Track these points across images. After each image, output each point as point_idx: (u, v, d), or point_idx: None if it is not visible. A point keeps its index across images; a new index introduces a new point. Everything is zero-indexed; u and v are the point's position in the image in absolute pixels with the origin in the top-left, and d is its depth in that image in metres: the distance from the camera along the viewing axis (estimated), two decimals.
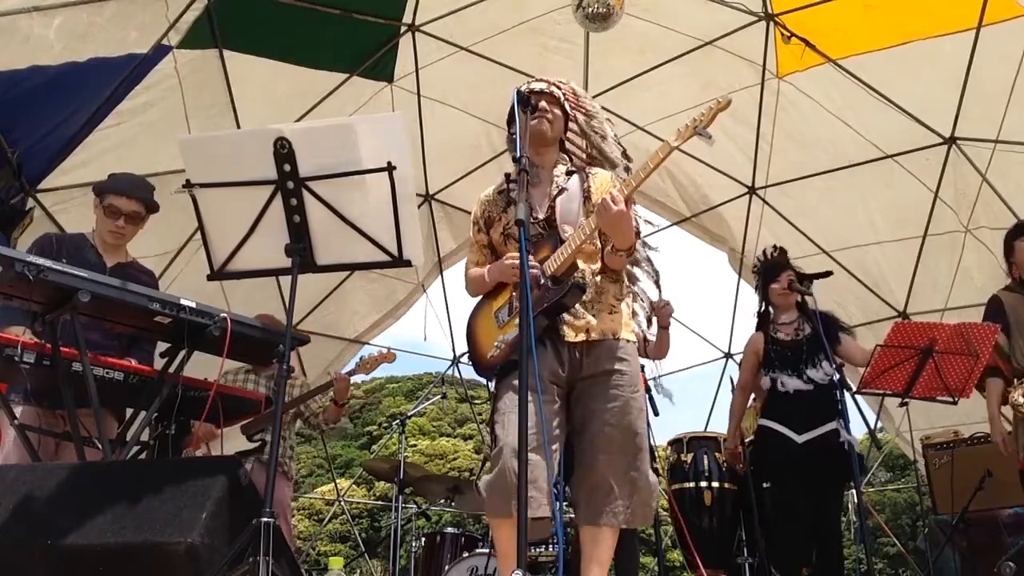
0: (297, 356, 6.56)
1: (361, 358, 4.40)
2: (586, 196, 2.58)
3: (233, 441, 4.49)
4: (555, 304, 2.37)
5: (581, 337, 2.43)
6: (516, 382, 2.33)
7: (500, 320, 2.53)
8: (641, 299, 2.78)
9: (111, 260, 3.26)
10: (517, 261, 2.32)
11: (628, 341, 2.50)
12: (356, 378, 4.52)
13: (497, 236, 2.65)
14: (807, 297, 3.96)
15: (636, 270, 2.75)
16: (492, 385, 2.58)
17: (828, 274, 4.12)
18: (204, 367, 2.89)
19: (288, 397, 4.48)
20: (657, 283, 2.80)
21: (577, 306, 2.45)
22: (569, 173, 2.64)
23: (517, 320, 2.42)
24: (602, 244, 2.53)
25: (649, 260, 2.78)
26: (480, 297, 2.67)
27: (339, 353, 7.48)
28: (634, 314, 2.72)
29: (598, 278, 2.53)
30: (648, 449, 2.45)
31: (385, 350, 4.41)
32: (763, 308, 4.25)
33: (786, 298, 4.12)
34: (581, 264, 2.48)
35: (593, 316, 2.46)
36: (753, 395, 4.93)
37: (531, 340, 2.02)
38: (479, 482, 2.38)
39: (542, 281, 2.39)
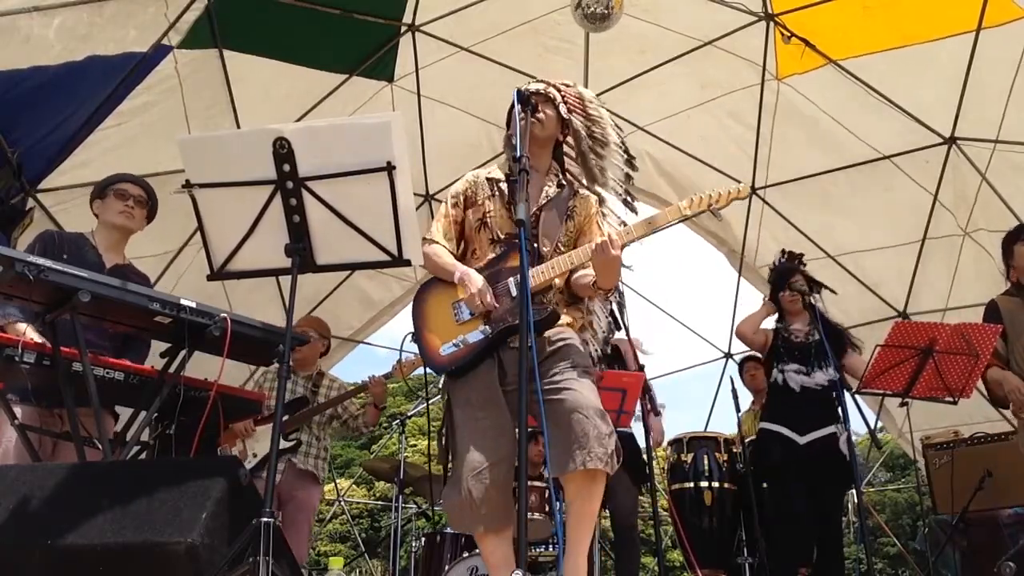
0: None
1: (398, 361, 4.40)
2: (569, 215, 2.57)
3: (268, 441, 4.48)
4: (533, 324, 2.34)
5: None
6: (471, 392, 2.38)
7: (459, 314, 2.47)
8: (598, 317, 2.70)
9: (110, 261, 3.28)
10: (479, 298, 2.35)
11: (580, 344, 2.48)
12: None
13: (473, 219, 2.61)
14: (812, 298, 3.96)
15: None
16: (442, 380, 2.56)
17: (832, 291, 4.12)
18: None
19: (324, 399, 4.51)
20: (620, 305, 2.81)
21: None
22: (560, 186, 2.63)
23: (482, 324, 2.41)
24: (571, 270, 2.50)
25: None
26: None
27: (334, 350, 7.46)
28: (584, 329, 2.66)
29: (561, 295, 2.52)
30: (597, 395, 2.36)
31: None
32: (778, 318, 4.25)
33: (796, 304, 4.13)
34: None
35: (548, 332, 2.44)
36: (752, 400, 4.94)
37: (531, 338, 2.02)
38: (442, 496, 2.37)
39: (514, 294, 2.38)
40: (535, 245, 2.48)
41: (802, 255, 4.39)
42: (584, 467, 2.17)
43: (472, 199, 2.65)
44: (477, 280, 2.43)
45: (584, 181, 2.70)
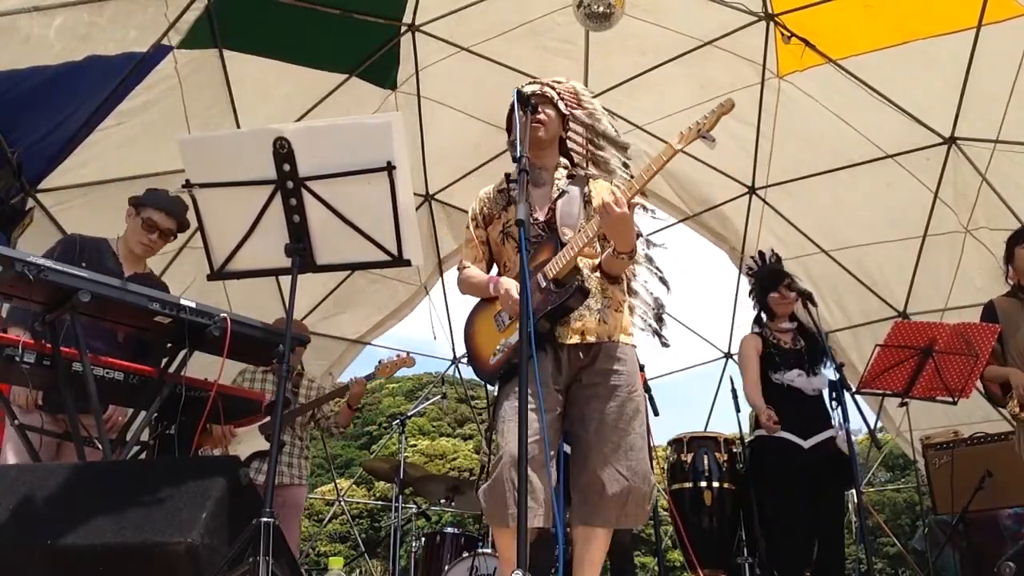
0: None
1: (380, 362, 4.40)
2: (586, 201, 2.57)
3: (251, 442, 4.49)
4: (559, 307, 2.37)
5: (576, 339, 2.42)
6: (517, 389, 2.36)
7: (500, 324, 2.52)
8: (644, 296, 2.77)
9: (129, 270, 3.27)
10: (511, 300, 2.37)
11: (626, 344, 2.50)
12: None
13: (495, 234, 2.64)
14: (807, 306, 3.94)
15: (637, 267, 2.74)
16: (495, 389, 2.58)
17: (813, 304, 4.07)
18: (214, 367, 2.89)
19: (304, 399, 4.49)
20: (663, 280, 2.78)
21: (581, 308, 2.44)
22: (571, 177, 2.64)
23: (518, 324, 2.43)
24: (602, 248, 2.52)
25: (650, 259, 2.76)
26: (479, 298, 2.66)
27: (341, 354, 7.48)
28: (631, 309, 2.72)
29: (597, 276, 2.52)
30: (646, 449, 2.44)
31: (404, 354, 4.42)
32: (758, 313, 4.24)
33: (785, 306, 4.11)
34: (582, 263, 2.48)
35: (596, 316, 2.45)
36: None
37: (531, 347, 2.02)
38: (478, 490, 2.39)
39: (543, 284, 2.40)
40: (556, 237, 2.50)
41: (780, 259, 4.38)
42: (602, 527, 2.33)
43: (489, 216, 2.67)
44: (507, 282, 2.47)
45: (592, 170, 2.73)
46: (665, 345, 3.00)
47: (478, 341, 2.59)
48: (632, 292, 2.73)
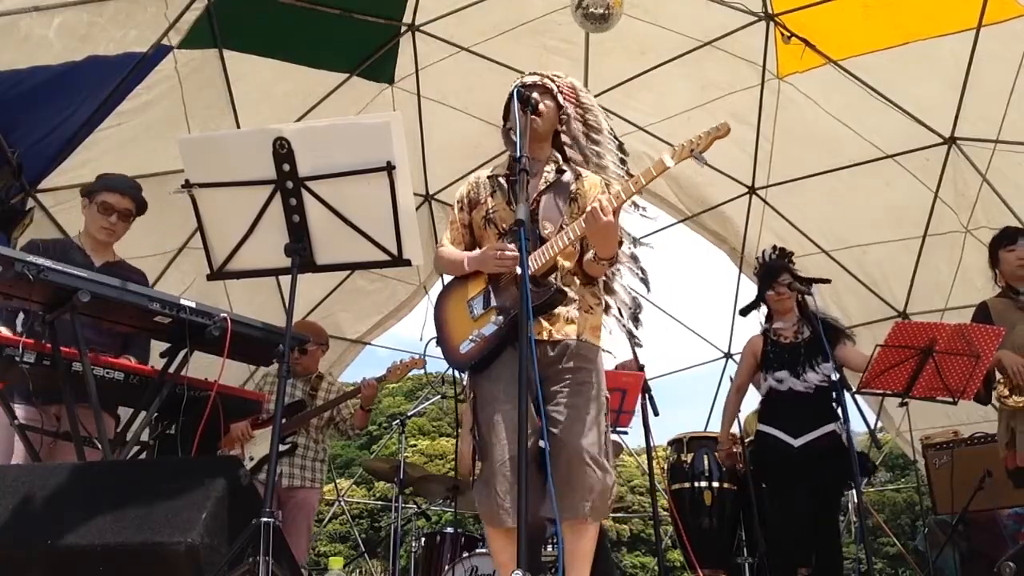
0: None
1: (393, 364, 4.43)
2: (572, 197, 2.57)
3: (267, 444, 4.49)
4: (537, 307, 2.37)
5: (544, 336, 2.43)
6: (495, 386, 2.39)
7: (474, 311, 2.52)
8: (622, 296, 2.76)
9: (99, 260, 3.27)
10: (499, 252, 2.37)
11: (593, 344, 2.50)
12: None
13: (478, 218, 2.64)
14: (807, 297, 3.95)
15: (620, 266, 2.72)
16: (465, 377, 2.58)
17: (826, 281, 4.11)
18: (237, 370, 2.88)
19: (322, 401, 4.51)
20: (644, 281, 2.78)
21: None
22: (560, 171, 2.63)
23: (494, 316, 2.43)
24: (583, 250, 2.52)
25: (635, 257, 2.75)
26: (451, 278, 2.66)
27: (341, 354, 7.48)
28: (607, 308, 2.71)
29: (573, 275, 2.53)
30: (605, 446, 2.43)
31: (417, 356, 4.44)
32: (765, 313, 4.25)
33: (783, 303, 4.12)
34: (559, 260, 2.48)
35: (566, 315, 2.46)
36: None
37: (531, 343, 2.02)
38: (474, 491, 2.40)
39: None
40: (536, 230, 2.49)
41: (792, 253, 4.37)
42: (588, 519, 2.33)
43: (475, 200, 2.68)
44: (484, 251, 2.48)
45: (585, 165, 2.72)
46: (638, 345, 3.00)
47: (448, 326, 2.58)
48: (611, 291, 2.72)
